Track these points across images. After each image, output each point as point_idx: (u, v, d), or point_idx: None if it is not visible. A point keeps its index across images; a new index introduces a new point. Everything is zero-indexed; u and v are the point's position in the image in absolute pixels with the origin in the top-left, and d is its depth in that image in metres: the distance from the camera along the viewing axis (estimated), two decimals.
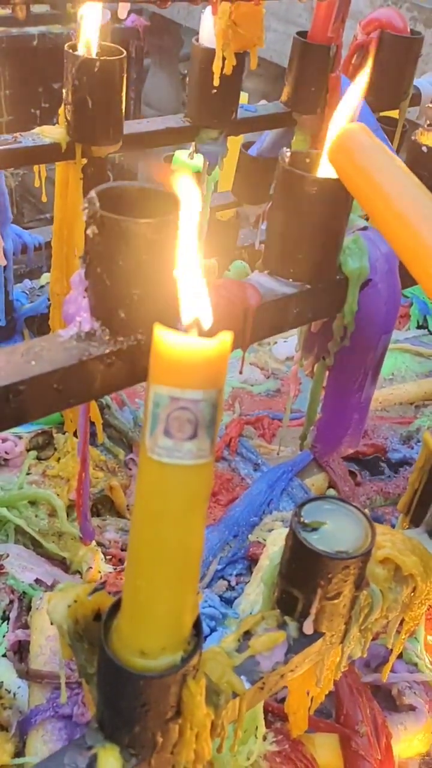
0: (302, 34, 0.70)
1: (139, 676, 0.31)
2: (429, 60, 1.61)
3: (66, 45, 0.55)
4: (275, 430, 1.00)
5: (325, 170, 0.42)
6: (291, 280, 0.44)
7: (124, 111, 0.58)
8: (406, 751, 0.62)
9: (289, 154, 0.42)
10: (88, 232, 0.34)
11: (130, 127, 0.63)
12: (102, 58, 0.54)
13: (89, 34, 0.53)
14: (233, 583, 0.76)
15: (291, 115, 0.73)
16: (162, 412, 0.29)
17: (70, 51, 0.54)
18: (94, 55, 0.54)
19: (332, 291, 0.45)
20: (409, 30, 0.77)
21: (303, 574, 0.39)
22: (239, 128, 0.69)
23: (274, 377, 1.10)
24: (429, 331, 1.23)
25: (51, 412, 0.36)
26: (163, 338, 0.29)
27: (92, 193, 0.34)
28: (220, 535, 0.81)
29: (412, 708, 0.63)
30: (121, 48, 0.56)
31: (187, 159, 0.77)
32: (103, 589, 0.36)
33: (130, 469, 0.89)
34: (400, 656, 0.67)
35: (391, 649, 0.69)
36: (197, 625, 0.33)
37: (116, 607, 0.34)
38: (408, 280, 0.50)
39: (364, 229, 0.47)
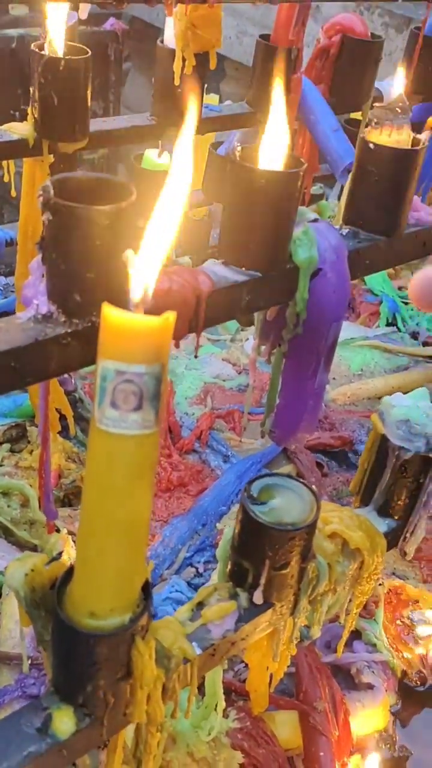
0: (265, 37, 0.73)
1: (89, 635, 0.33)
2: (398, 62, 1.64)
3: (33, 44, 0.57)
4: (246, 424, 1.02)
5: (274, 163, 0.44)
6: (243, 268, 0.46)
7: (104, 110, 0.60)
8: (364, 727, 0.64)
9: (239, 148, 0.45)
10: (43, 218, 0.36)
11: (96, 124, 0.65)
12: (66, 57, 0.56)
13: (54, 33, 0.55)
14: (201, 570, 0.78)
15: (255, 115, 0.75)
16: (109, 385, 0.31)
17: (36, 50, 0.56)
18: (60, 55, 0.56)
19: (283, 279, 0.47)
20: (369, 34, 0.80)
21: (252, 546, 0.42)
22: (204, 127, 0.71)
23: (246, 373, 1.12)
24: (397, 328, 1.26)
25: (10, 389, 0.38)
26: (109, 315, 0.31)
27: (47, 182, 0.36)
28: (189, 524, 0.83)
29: (370, 686, 0.65)
30: (86, 48, 0.58)
31: (156, 158, 0.79)
32: (59, 559, 0.38)
33: None
34: (359, 637, 0.70)
35: (354, 630, 0.71)
36: (146, 588, 0.35)
37: (70, 573, 0.36)
38: (356, 270, 0.52)
39: (315, 221, 0.50)
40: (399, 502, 0.50)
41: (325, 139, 0.77)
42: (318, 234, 0.48)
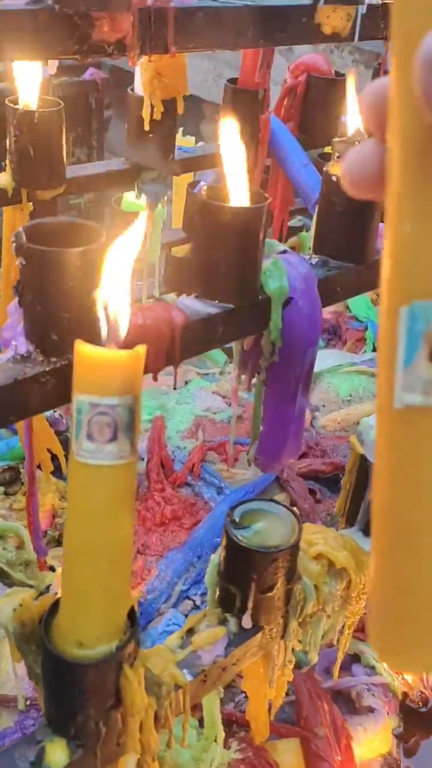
0: (233, 80, 0.76)
1: (76, 664, 0.34)
2: None
3: (7, 99, 0.60)
4: (238, 455, 1.03)
5: (239, 200, 0.46)
6: (216, 301, 0.48)
7: (88, 156, 0.62)
8: (367, 752, 0.64)
9: (205, 187, 0.47)
10: (17, 263, 0.38)
11: (73, 171, 0.68)
12: (40, 110, 0.59)
13: (25, 89, 0.57)
14: (198, 603, 0.78)
15: None
16: (84, 418, 0.33)
17: (11, 104, 0.59)
18: (33, 108, 0.59)
19: (256, 310, 0.49)
20: (333, 72, 0.84)
21: (237, 571, 0.42)
22: (178, 168, 0.74)
23: (240, 400, 1.14)
24: None
25: None
26: (81, 351, 0.33)
27: (19, 229, 0.38)
28: (184, 556, 0.83)
29: (371, 710, 0.65)
30: (59, 100, 0.61)
31: (133, 199, 0.81)
32: (47, 592, 0.39)
33: None
34: (358, 660, 0.70)
35: (352, 653, 0.71)
36: (132, 615, 0.36)
37: (57, 605, 0.36)
38: (328, 297, 0.54)
39: (283, 252, 0.52)
40: None
41: (296, 174, 0.80)
42: (287, 264, 0.50)
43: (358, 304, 1.35)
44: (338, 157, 0.52)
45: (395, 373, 0.20)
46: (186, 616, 0.77)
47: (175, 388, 0.78)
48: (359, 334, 1.31)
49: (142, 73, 0.57)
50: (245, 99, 0.75)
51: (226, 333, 0.48)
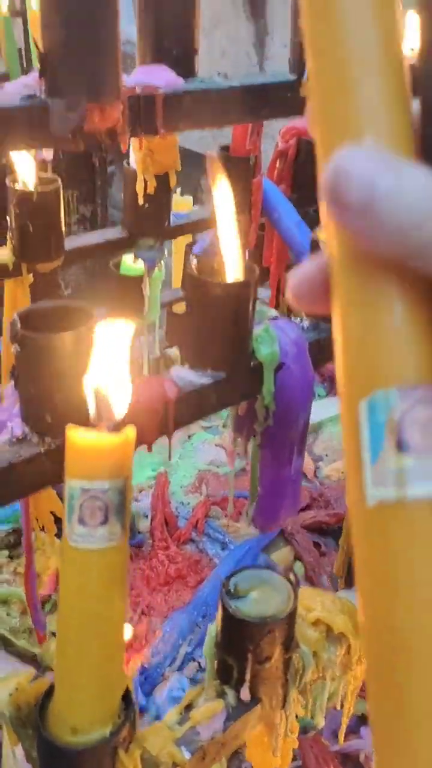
0: (225, 147, 0.79)
1: (70, 751, 0.34)
2: None
3: (7, 178, 0.62)
4: (241, 508, 1.03)
5: (230, 273, 0.48)
6: (209, 370, 0.49)
7: (92, 212, 0.64)
8: None
9: (195, 261, 0.48)
10: (12, 350, 0.39)
11: (72, 242, 0.70)
12: (38, 189, 0.61)
13: (24, 172, 0.60)
14: (203, 665, 0.77)
15: None
16: (76, 503, 0.34)
17: (11, 184, 0.61)
18: (31, 188, 0.61)
19: (248, 377, 0.50)
20: None
21: (233, 642, 0.42)
22: (173, 234, 0.76)
23: (240, 457, 1.14)
24: None
25: None
26: (72, 436, 0.33)
27: (15, 316, 0.39)
28: (189, 617, 0.83)
29: None
30: (57, 177, 0.64)
31: (132, 263, 0.84)
32: (42, 675, 0.39)
33: None
34: (365, 722, 0.68)
35: (359, 715, 0.70)
36: (127, 697, 0.36)
37: (52, 689, 0.37)
38: (320, 360, 0.55)
39: (275, 318, 0.53)
40: None
41: (289, 234, 0.82)
42: (278, 330, 0.52)
43: None
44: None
45: (363, 469, 0.19)
46: (191, 679, 0.76)
47: (170, 459, 0.79)
48: None
49: (134, 151, 0.59)
50: (237, 165, 0.77)
51: (219, 401, 0.49)
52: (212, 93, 0.52)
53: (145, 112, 0.49)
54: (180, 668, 0.77)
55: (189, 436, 1.19)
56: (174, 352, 1.05)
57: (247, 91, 0.55)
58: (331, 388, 1.35)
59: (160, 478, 1.03)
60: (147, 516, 0.99)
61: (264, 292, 1.01)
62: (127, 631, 0.74)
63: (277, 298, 0.99)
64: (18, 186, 0.61)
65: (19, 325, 0.39)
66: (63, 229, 0.65)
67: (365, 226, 0.18)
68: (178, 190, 1.16)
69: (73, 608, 0.34)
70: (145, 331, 1.00)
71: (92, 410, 0.34)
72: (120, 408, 0.35)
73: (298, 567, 0.93)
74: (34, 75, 0.46)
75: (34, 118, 0.43)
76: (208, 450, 1.15)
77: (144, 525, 0.98)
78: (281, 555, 0.92)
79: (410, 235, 0.17)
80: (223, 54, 2.49)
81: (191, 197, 1.18)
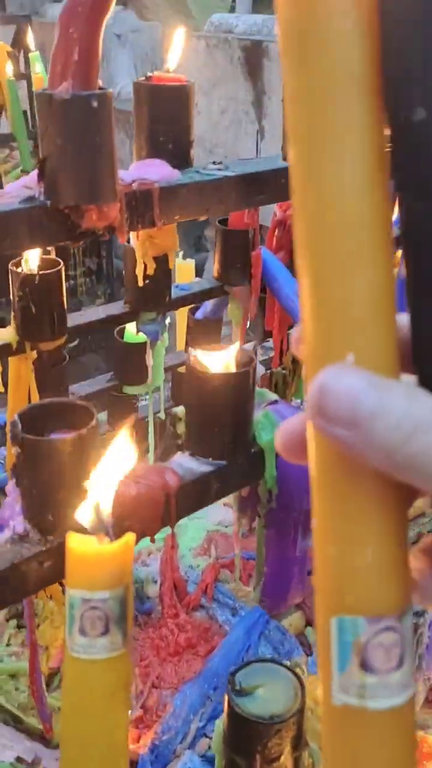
0: (223, 221, 0.80)
1: None
2: None
3: (10, 263, 0.64)
4: (251, 570, 1.02)
5: (229, 365, 0.49)
6: (210, 458, 0.49)
7: (98, 265, 0.65)
8: None
9: (194, 354, 0.49)
10: (13, 451, 0.39)
11: (74, 319, 0.71)
12: (40, 272, 0.63)
13: (27, 255, 0.62)
14: None
15: (223, 288, 0.82)
16: (76, 613, 0.34)
17: (13, 268, 0.63)
18: (34, 271, 0.63)
19: (249, 463, 0.51)
20: None
21: (241, 740, 0.42)
22: (175, 306, 0.77)
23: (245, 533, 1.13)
24: None
25: None
26: (72, 547, 0.34)
27: (15, 417, 0.40)
28: (199, 689, 0.81)
29: None
30: (59, 260, 0.65)
31: (134, 332, 0.85)
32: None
33: None
34: None
35: None
36: None
37: None
38: None
39: (274, 402, 0.53)
40: None
41: (289, 302, 0.83)
42: (278, 415, 0.52)
43: None
44: None
45: (332, 673, 0.21)
46: (203, 756, 0.74)
47: (171, 547, 0.80)
48: None
49: (133, 237, 0.61)
50: (236, 238, 0.79)
51: (221, 489, 0.49)
52: (208, 184, 0.54)
53: (142, 206, 0.50)
54: (191, 745, 0.76)
55: None
56: (181, 410, 1.05)
57: (241, 180, 0.56)
58: None
59: (168, 542, 1.03)
60: (156, 581, 0.98)
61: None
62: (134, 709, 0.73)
63: (280, 357, 1.00)
64: (20, 269, 0.63)
65: (20, 426, 0.40)
66: (65, 308, 0.66)
67: (353, 442, 0.19)
68: (181, 253, 1.18)
69: (76, 717, 0.34)
70: (150, 394, 1.01)
71: (89, 521, 0.35)
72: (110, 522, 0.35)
73: (310, 633, 0.92)
74: (33, 176, 0.47)
75: (33, 220, 0.45)
76: (216, 509, 1.14)
77: (153, 590, 0.97)
78: (293, 620, 0.91)
79: (397, 451, 0.18)
80: (223, 112, 2.55)
81: (193, 261, 1.21)
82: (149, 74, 0.54)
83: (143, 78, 0.55)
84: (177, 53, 0.58)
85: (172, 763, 0.74)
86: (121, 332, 0.91)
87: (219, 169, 0.56)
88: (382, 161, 0.19)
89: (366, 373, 0.19)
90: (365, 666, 0.20)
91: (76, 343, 0.87)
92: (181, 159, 0.55)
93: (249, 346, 1.04)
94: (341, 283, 0.19)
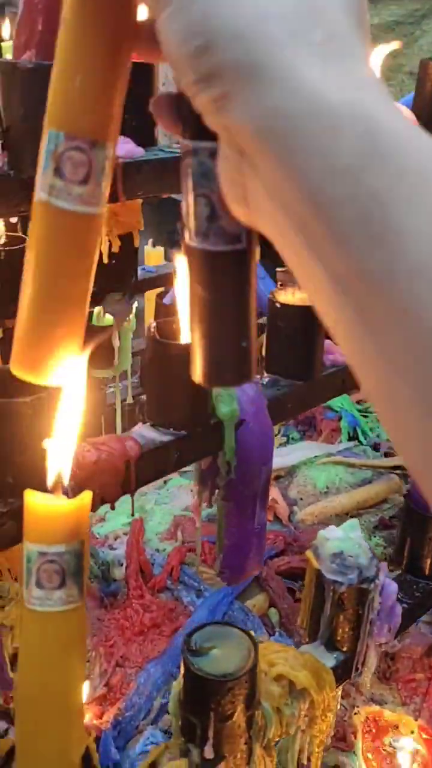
0: None
1: None
2: None
3: None
4: (215, 553, 1.03)
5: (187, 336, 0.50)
6: (171, 429, 0.50)
7: None
8: None
9: (154, 324, 0.50)
10: None
11: None
12: (6, 248, 0.63)
13: None
14: None
15: None
16: (33, 566, 0.34)
17: None
18: None
19: (209, 434, 0.52)
20: None
21: (196, 700, 0.43)
22: (141, 288, 0.78)
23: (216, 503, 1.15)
24: (359, 441, 1.31)
25: None
26: (30, 502, 0.35)
27: None
28: (163, 668, 0.82)
29: None
30: (24, 237, 0.66)
31: (101, 315, 0.86)
32: (6, 736, 0.39)
33: None
34: None
35: (333, 765, 0.70)
36: (87, 758, 0.36)
37: (13, 752, 0.37)
38: (280, 414, 0.57)
39: None
40: (343, 635, 0.51)
41: (258, 284, 0.84)
42: (237, 389, 0.53)
43: None
44: (281, 285, 0.56)
45: (39, 172, 0.28)
46: (165, 732, 0.75)
47: (132, 515, 0.80)
48: (334, 424, 1.33)
49: None
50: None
51: (181, 459, 0.50)
52: (171, 161, 0.55)
53: None
54: (154, 721, 0.77)
55: (165, 482, 1.19)
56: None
57: None
58: (305, 430, 1.36)
59: (135, 526, 1.03)
60: (122, 564, 0.98)
61: None
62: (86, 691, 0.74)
63: None
64: None
65: None
66: None
67: None
68: (150, 240, 1.19)
69: (32, 670, 0.35)
70: (117, 379, 1.01)
71: (50, 477, 0.35)
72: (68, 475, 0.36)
73: (273, 614, 0.93)
74: None
75: None
76: (184, 495, 1.15)
77: (119, 573, 0.98)
78: (257, 602, 0.92)
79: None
80: None
81: (162, 249, 1.21)
82: None
83: None
84: None
85: (134, 738, 0.75)
86: (89, 316, 0.92)
87: None
88: None
89: None
90: (58, 172, 0.26)
91: None
92: (145, 137, 0.56)
93: None
94: None
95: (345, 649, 0.51)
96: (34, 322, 0.30)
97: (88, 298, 0.31)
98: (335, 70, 0.19)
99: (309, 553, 0.52)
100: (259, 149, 0.20)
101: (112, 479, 0.46)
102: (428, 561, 0.66)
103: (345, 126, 0.19)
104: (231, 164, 0.23)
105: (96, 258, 0.31)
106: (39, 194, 0.27)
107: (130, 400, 1.08)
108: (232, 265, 0.26)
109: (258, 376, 0.57)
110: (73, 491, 0.36)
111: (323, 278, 0.21)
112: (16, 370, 0.31)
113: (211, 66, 0.20)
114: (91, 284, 0.31)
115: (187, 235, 0.26)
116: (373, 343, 0.19)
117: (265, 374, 0.59)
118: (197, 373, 0.28)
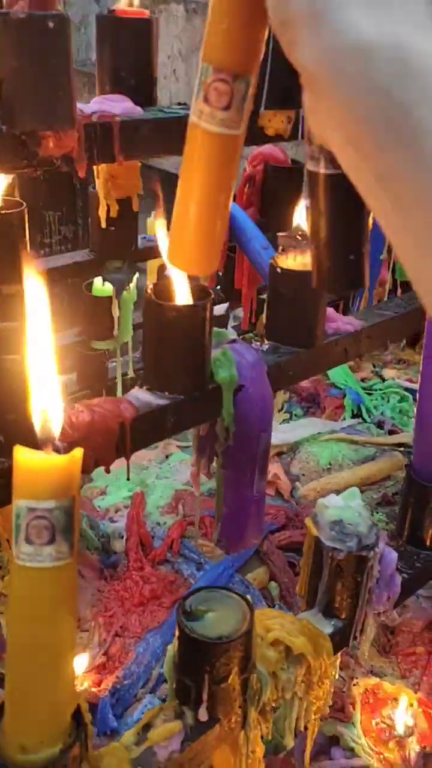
0: None
1: None
2: None
3: None
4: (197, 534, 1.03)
5: (184, 297, 0.49)
6: (167, 393, 0.49)
7: (74, 233, 0.64)
8: None
9: (151, 286, 0.49)
10: None
11: (41, 264, 0.71)
12: (2, 212, 0.62)
13: None
14: None
15: None
16: (22, 522, 0.34)
17: None
18: None
19: (206, 399, 0.51)
20: (290, 161, 0.88)
21: (190, 662, 0.43)
22: (142, 256, 0.77)
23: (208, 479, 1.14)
24: (363, 419, 1.30)
25: None
26: (19, 457, 0.34)
27: None
28: (162, 638, 0.82)
29: None
30: (21, 201, 0.65)
31: (101, 285, 0.85)
32: None
33: None
34: (337, 742, 0.68)
35: (331, 735, 0.70)
36: (78, 716, 0.36)
37: (3, 707, 0.37)
38: (280, 381, 0.56)
39: (233, 341, 0.54)
40: (341, 602, 0.51)
41: (257, 256, 0.83)
42: (236, 354, 0.52)
43: (337, 372, 1.38)
44: (282, 249, 0.55)
45: (193, 99, 0.32)
46: (163, 700, 0.76)
47: (128, 479, 0.79)
48: (338, 401, 1.32)
49: (97, 176, 0.60)
50: None
51: (177, 423, 0.49)
52: (170, 121, 0.53)
53: (102, 139, 0.50)
54: (153, 690, 0.77)
55: (167, 456, 1.19)
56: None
57: None
58: (309, 407, 1.35)
59: (136, 498, 1.03)
60: (122, 537, 0.98)
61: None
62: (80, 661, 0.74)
63: (250, 319, 1.00)
64: None
65: None
66: (28, 251, 0.66)
67: None
68: (153, 213, 1.17)
69: (22, 626, 0.35)
70: (118, 353, 1.01)
71: (38, 432, 0.35)
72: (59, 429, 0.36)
73: (273, 587, 0.93)
74: None
75: None
76: (186, 470, 1.15)
77: (119, 545, 0.98)
78: (257, 575, 0.92)
79: None
80: None
81: (165, 221, 1.20)
82: (112, 8, 0.54)
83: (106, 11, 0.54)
84: None
85: (132, 706, 0.75)
86: (90, 286, 0.91)
87: (183, 109, 0.56)
88: None
89: None
90: (206, 99, 0.31)
91: None
92: (144, 96, 0.54)
93: (221, 308, 1.04)
94: None
95: (343, 616, 0.51)
96: (190, 222, 0.34)
97: (230, 205, 0.35)
98: (377, 11, 0.24)
99: (308, 521, 0.52)
100: (317, 83, 0.25)
101: (106, 440, 0.45)
102: (429, 532, 0.66)
103: (376, 55, 0.23)
104: (309, 96, 0.28)
105: (236, 172, 0.34)
106: (192, 117, 0.32)
107: (131, 374, 1.07)
108: (338, 186, 0.31)
109: (257, 342, 0.56)
110: (65, 451, 0.35)
111: (370, 180, 0.25)
112: (178, 264, 0.36)
113: (285, 15, 0.25)
114: (232, 193, 0.35)
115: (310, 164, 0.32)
116: (404, 218, 0.24)
117: (266, 341, 0.58)
118: (314, 280, 0.34)
